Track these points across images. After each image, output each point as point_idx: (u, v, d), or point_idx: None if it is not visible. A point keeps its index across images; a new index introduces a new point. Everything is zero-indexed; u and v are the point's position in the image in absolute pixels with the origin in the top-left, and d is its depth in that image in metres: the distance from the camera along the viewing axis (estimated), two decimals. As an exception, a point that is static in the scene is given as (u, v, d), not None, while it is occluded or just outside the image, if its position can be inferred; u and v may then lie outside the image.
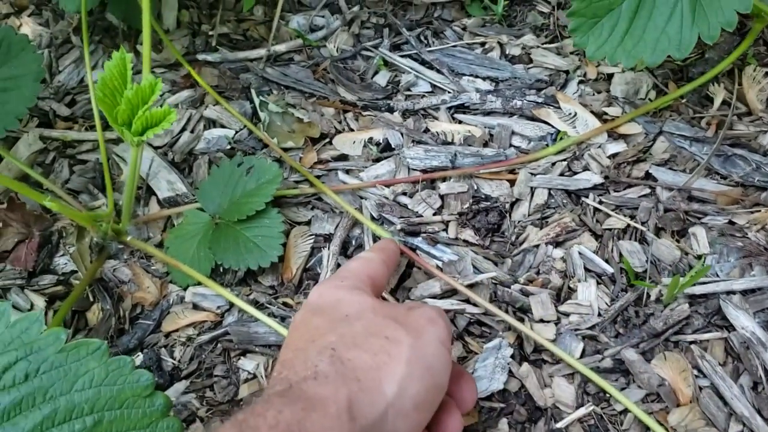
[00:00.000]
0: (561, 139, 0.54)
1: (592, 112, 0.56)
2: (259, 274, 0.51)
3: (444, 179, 0.54)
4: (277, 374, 0.34)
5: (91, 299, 0.51)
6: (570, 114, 0.56)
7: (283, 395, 0.31)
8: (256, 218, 0.48)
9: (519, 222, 0.51)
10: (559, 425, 0.43)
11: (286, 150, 0.56)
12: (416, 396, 0.33)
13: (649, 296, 0.47)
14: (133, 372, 0.40)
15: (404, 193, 0.53)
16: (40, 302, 0.50)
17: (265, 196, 0.48)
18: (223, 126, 0.59)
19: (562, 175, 0.53)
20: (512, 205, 0.52)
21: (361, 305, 0.37)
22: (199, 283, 0.50)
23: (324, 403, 0.31)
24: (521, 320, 0.47)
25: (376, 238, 0.51)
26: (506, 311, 0.47)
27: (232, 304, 0.50)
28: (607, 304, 0.47)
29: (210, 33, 0.65)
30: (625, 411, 0.43)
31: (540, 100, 0.57)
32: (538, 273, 0.49)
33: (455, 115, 0.57)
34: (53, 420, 0.38)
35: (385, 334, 0.35)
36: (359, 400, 0.32)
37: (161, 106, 0.45)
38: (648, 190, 0.52)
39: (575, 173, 0.53)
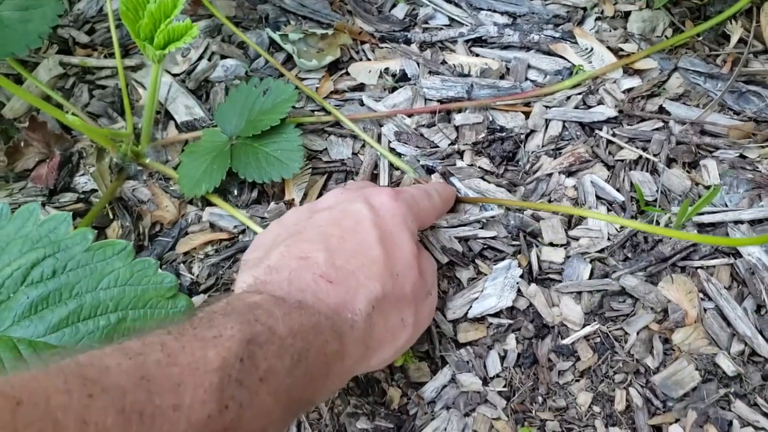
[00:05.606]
0: (577, 73, 0.55)
1: (608, 47, 0.56)
2: (272, 197, 0.52)
3: (460, 110, 0.54)
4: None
5: (111, 217, 0.52)
6: (586, 49, 0.56)
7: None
8: (273, 135, 0.49)
9: (533, 152, 0.52)
10: (565, 341, 0.45)
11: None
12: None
13: (658, 223, 0.48)
14: (157, 274, 0.41)
15: (421, 125, 0.54)
16: (61, 218, 0.52)
17: (280, 113, 0.49)
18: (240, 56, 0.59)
19: (576, 108, 0.53)
20: (527, 136, 0.53)
21: (407, 260, 0.38)
22: (212, 204, 0.51)
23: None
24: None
25: (394, 168, 0.52)
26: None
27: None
28: (616, 230, 0.48)
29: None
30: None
31: (557, 35, 0.57)
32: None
33: (472, 48, 0.57)
34: (78, 315, 0.39)
35: (402, 315, 0.38)
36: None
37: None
38: (661, 124, 0.52)
39: (590, 107, 0.54)
